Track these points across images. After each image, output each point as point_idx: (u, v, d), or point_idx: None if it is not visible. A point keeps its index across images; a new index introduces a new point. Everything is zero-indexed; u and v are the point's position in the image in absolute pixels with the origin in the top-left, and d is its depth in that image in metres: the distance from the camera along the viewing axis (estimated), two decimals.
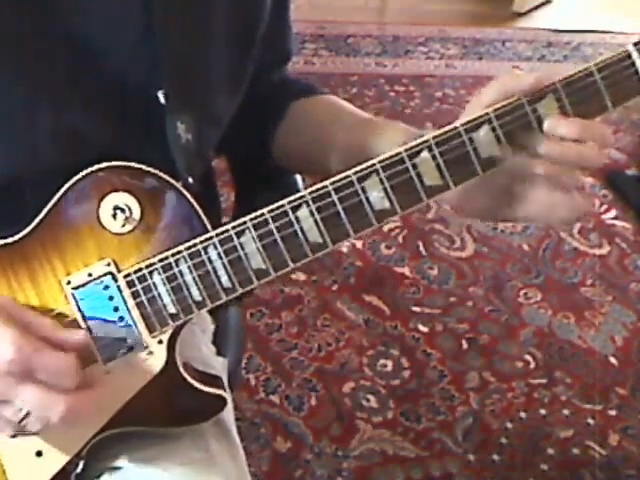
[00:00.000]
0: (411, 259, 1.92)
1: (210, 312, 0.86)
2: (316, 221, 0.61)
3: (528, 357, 1.68)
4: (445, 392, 1.59)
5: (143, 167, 0.63)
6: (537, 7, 3.16)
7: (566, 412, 1.57)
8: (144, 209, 0.63)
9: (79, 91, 0.64)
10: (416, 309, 1.78)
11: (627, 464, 1.48)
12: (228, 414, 0.78)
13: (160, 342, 0.65)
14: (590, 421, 1.55)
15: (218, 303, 0.64)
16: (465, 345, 1.70)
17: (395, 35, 2.91)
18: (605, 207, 2.14)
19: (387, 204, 0.61)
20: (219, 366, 0.84)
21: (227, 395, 0.71)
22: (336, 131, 0.78)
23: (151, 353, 0.65)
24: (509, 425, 1.53)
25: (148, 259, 0.63)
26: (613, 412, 1.57)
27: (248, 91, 0.77)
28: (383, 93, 2.56)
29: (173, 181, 0.64)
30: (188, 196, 0.64)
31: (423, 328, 1.73)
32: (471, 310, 1.79)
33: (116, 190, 0.63)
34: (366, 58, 2.76)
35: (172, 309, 0.64)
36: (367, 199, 0.61)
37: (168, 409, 0.68)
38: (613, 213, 2.13)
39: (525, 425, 1.54)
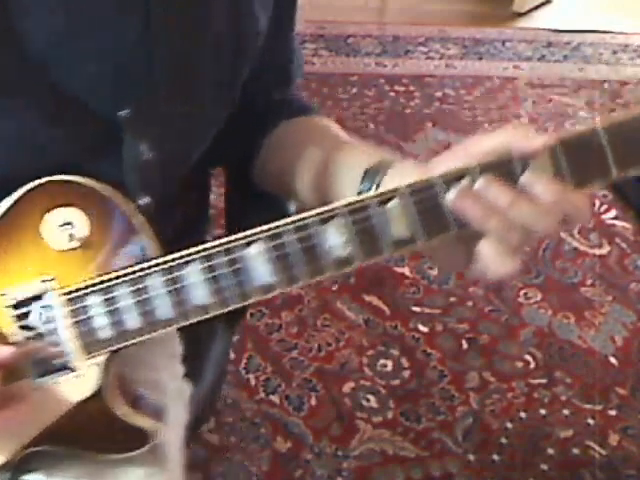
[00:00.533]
0: (411, 259, 1.91)
1: (180, 335, 0.83)
2: (268, 260, 0.57)
3: (528, 357, 1.68)
4: (445, 392, 1.59)
5: (86, 182, 0.60)
6: (537, 7, 3.16)
7: (566, 412, 1.57)
8: (92, 226, 0.60)
9: (78, 91, 0.64)
10: (416, 309, 1.78)
11: (627, 464, 1.48)
12: (171, 439, 0.75)
13: (93, 365, 0.62)
14: (590, 421, 1.55)
15: (155, 334, 0.61)
16: (465, 345, 1.70)
17: (395, 35, 2.90)
18: (605, 207, 2.14)
19: (348, 250, 0.56)
20: (173, 392, 0.81)
21: (160, 425, 0.68)
22: (308, 148, 0.75)
23: (82, 376, 0.62)
24: (509, 425, 1.53)
25: (90, 279, 0.60)
26: (613, 412, 1.57)
27: (245, 108, 0.76)
28: (383, 93, 2.56)
29: (126, 201, 0.62)
30: (140, 217, 0.62)
31: (423, 328, 1.73)
32: (471, 310, 1.79)
33: (64, 205, 0.60)
34: (366, 58, 2.76)
35: (107, 333, 0.60)
36: (326, 242, 0.56)
37: (94, 434, 0.66)
38: (613, 213, 2.12)
39: (525, 425, 1.54)
